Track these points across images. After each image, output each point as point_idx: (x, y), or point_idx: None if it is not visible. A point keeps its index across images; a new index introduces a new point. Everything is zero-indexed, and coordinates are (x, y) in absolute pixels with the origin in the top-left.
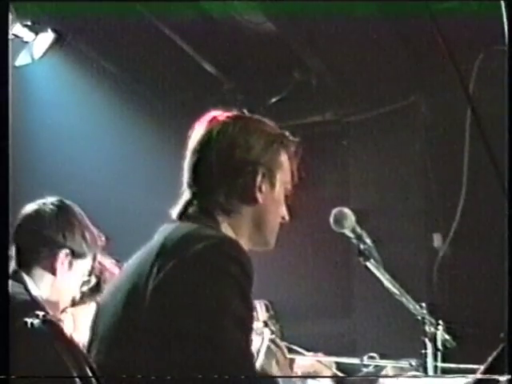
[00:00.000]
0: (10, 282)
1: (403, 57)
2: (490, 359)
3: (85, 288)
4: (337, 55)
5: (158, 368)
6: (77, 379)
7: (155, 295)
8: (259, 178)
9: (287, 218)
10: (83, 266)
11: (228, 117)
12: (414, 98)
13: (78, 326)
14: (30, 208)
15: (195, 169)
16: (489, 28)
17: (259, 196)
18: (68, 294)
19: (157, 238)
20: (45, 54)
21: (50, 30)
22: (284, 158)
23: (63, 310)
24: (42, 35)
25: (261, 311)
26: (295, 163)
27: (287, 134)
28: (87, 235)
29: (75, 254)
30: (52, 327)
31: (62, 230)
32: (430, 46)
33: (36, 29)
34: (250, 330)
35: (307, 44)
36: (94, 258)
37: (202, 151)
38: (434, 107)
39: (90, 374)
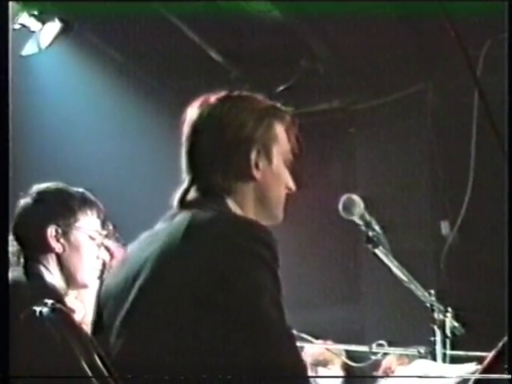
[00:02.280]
0: (24, 274)
1: (410, 44)
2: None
3: (96, 269)
4: (344, 43)
5: (192, 355)
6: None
7: (186, 278)
8: (254, 156)
9: (294, 187)
10: (81, 231)
11: (217, 98)
12: (421, 85)
13: (88, 312)
14: (17, 206)
15: (190, 154)
16: (496, 15)
17: (256, 173)
18: (81, 266)
19: (174, 223)
20: (52, 43)
21: (56, 20)
22: (279, 129)
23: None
24: (48, 25)
25: None
26: (293, 133)
27: (278, 105)
28: (71, 201)
29: (62, 225)
30: (61, 315)
31: (43, 211)
32: (437, 34)
33: (43, 18)
34: (283, 310)
35: (314, 32)
36: (97, 216)
37: (195, 135)
38: (441, 95)
39: (99, 363)
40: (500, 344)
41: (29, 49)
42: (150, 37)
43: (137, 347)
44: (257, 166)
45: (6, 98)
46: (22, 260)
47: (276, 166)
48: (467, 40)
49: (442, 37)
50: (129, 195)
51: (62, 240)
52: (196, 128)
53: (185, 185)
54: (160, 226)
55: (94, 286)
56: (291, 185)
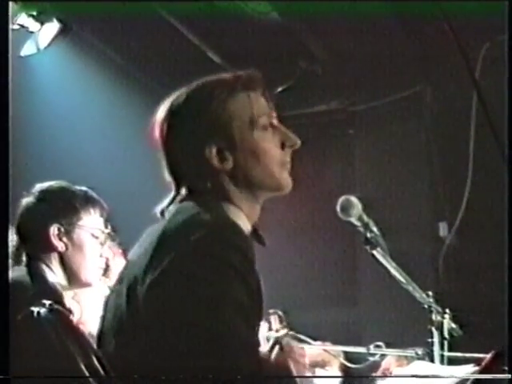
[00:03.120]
0: (27, 273)
1: (409, 46)
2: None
3: (99, 268)
4: (342, 44)
5: (161, 361)
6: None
7: (153, 288)
8: (209, 153)
9: (297, 142)
10: (84, 230)
11: (169, 105)
12: (419, 87)
13: (85, 312)
14: (20, 205)
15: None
16: (494, 17)
17: (224, 165)
18: (84, 265)
19: (157, 225)
20: (50, 43)
21: (55, 20)
22: (234, 104)
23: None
24: (47, 25)
25: (274, 322)
26: (259, 90)
27: (224, 76)
28: (74, 199)
29: (65, 224)
30: (59, 316)
31: (46, 210)
32: (436, 36)
33: (41, 19)
34: (253, 317)
35: (313, 33)
36: (100, 215)
37: (163, 148)
38: (439, 96)
39: (98, 365)
40: (498, 347)
41: (27, 49)
42: (148, 38)
43: (126, 358)
44: (221, 158)
45: (6, 98)
46: (23, 259)
47: (245, 145)
48: (466, 42)
49: (440, 39)
50: (127, 194)
51: (64, 239)
52: (162, 137)
53: (171, 195)
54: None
55: (96, 284)
56: (291, 141)
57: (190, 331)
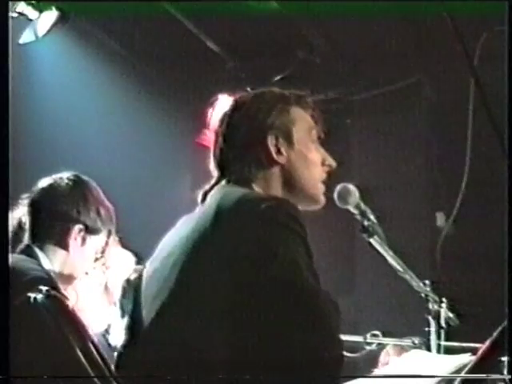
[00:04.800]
0: (23, 257)
1: (407, 36)
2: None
3: (98, 264)
4: (341, 34)
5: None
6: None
7: (223, 255)
8: (271, 142)
9: (333, 163)
10: (97, 242)
11: (234, 100)
12: (417, 77)
13: (81, 300)
14: (44, 182)
15: (215, 155)
16: (492, 8)
17: (278, 157)
18: (81, 269)
19: (205, 204)
20: (49, 31)
21: (54, 8)
22: (297, 112)
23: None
24: (46, 13)
25: None
26: (314, 113)
27: (291, 92)
28: (102, 211)
29: (89, 230)
30: (55, 302)
31: (76, 204)
32: (435, 26)
33: (40, 7)
34: (318, 277)
35: (311, 23)
36: (109, 235)
37: (216, 140)
38: (437, 86)
39: (94, 350)
40: (495, 334)
41: (26, 37)
42: (146, 26)
43: (175, 329)
44: (278, 151)
45: (6, 85)
46: (22, 245)
47: (300, 148)
48: (464, 32)
49: (439, 29)
50: (124, 184)
51: (79, 241)
52: (216, 131)
53: (213, 180)
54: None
55: (90, 276)
56: (330, 162)
57: (268, 290)
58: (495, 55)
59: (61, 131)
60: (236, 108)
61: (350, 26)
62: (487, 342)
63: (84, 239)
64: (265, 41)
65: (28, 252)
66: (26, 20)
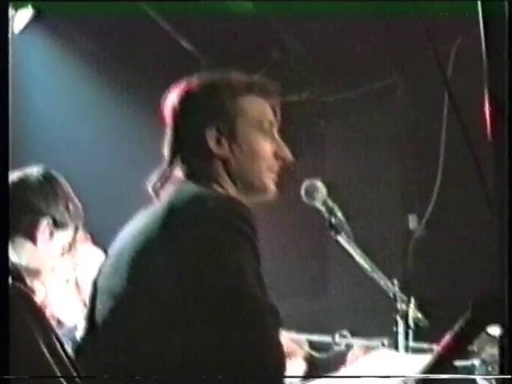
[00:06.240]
0: None
1: (381, 38)
2: (456, 327)
3: (64, 260)
4: (315, 35)
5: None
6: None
7: (172, 254)
8: (209, 133)
9: (288, 156)
10: (64, 237)
11: (183, 90)
12: (391, 79)
13: (49, 294)
14: (14, 176)
15: (167, 142)
16: (466, 12)
17: (218, 150)
18: (48, 264)
19: (155, 205)
20: (24, 29)
21: (30, 7)
22: (247, 102)
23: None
24: (21, 11)
25: None
26: (270, 99)
27: (242, 78)
28: (70, 206)
29: (57, 224)
30: (20, 295)
31: (45, 198)
32: (409, 29)
33: (16, 5)
34: (263, 282)
35: (285, 23)
36: (76, 231)
37: (169, 127)
38: (411, 89)
39: (58, 345)
40: (456, 325)
41: None
42: (121, 26)
43: (126, 328)
44: (219, 142)
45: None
46: None
47: (246, 139)
48: (438, 35)
49: (413, 31)
50: (103, 181)
51: (46, 235)
52: (167, 121)
53: (161, 172)
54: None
55: (56, 270)
56: (284, 154)
57: (214, 294)
58: (470, 58)
59: (32, 127)
60: (181, 98)
61: (324, 27)
62: (448, 335)
63: (52, 233)
64: (239, 40)
65: None
66: None
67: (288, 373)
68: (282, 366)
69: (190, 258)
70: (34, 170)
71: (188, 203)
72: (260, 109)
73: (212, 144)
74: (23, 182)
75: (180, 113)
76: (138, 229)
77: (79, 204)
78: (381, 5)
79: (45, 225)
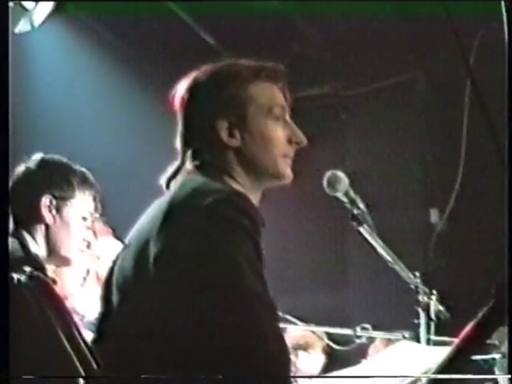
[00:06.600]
0: (12, 239)
1: (403, 31)
2: (480, 315)
3: (80, 250)
4: (337, 28)
5: (176, 323)
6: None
7: (168, 250)
8: (221, 125)
9: (303, 141)
10: (75, 208)
11: (192, 78)
12: (413, 73)
13: (64, 288)
14: (17, 170)
15: (181, 133)
16: (488, 5)
17: (231, 141)
18: (67, 243)
19: (165, 196)
20: (45, 21)
21: None
22: (256, 89)
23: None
24: (42, 3)
25: None
26: (279, 84)
27: (250, 64)
28: (71, 176)
29: (58, 197)
30: (39, 283)
31: (42, 179)
32: (430, 22)
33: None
34: (263, 278)
35: (307, 16)
36: (90, 198)
37: (180, 117)
38: (432, 82)
39: (76, 333)
40: (479, 315)
41: (22, 26)
42: (142, 18)
43: (131, 322)
44: (231, 134)
45: (6, 79)
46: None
47: (258, 127)
48: (460, 29)
49: (435, 25)
50: (121, 176)
51: (54, 212)
52: (178, 111)
53: (176, 164)
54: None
55: (75, 264)
56: (298, 138)
57: (208, 290)
58: (492, 52)
59: (55, 121)
60: (192, 88)
61: (346, 21)
62: (471, 324)
63: (58, 209)
64: (260, 34)
65: (15, 235)
66: (21, 9)
67: (306, 365)
68: (280, 360)
69: (187, 251)
70: (32, 159)
71: (187, 196)
72: (269, 94)
73: (224, 135)
74: (23, 173)
75: (189, 103)
76: (142, 221)
77: (88, 173)
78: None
79: (47, 201)
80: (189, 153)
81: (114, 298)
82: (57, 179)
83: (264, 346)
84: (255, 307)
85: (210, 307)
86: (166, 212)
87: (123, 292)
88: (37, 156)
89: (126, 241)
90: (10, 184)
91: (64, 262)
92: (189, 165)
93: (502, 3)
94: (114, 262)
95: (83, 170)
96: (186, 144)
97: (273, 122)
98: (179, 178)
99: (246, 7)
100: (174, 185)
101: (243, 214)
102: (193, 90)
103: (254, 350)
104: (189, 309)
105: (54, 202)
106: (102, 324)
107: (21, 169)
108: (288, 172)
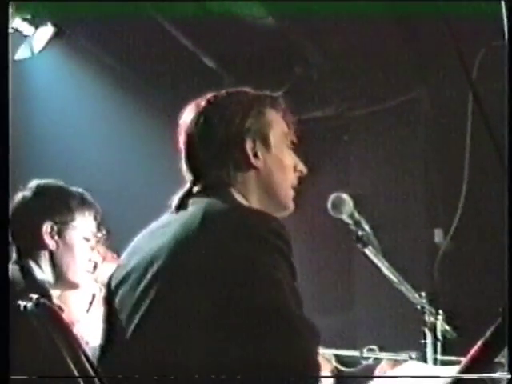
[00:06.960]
0: (17, 268)
1: (405, 52)
2: (488, 334)
3: (87, 271)
4: (338, 50)
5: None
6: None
7: (204, 267)
8: (249, 145)
9: (304, 169)
10: (77, 231)
11: (206, 100)
12: (415, 93)
13: (71, 314)
14: (14, 199)
15: (188, 158)
16: (489, 23)
17: (255, 161)
18: (73, 267)
19: (188, 212)
20: (44, 47)
21: (49, 24)
22: (272, 115)
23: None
24: (41, 29)
25: None
26: (288, 116)
27: (266, 92)
28: (70, 200)
29: (59, 222)
30: (46, 310)
31: (41, 206)
32: (434, 41)
33: (36, 23)
34: (301, 300)
35: (308, 38)
36: (94, 218)
37: (190, 139)
38: (435, 102)
39: (85, 361)
40: (487, 334)
41: (22, 53)
42: (142, 42)
43: (156, 341)
44: (255, 155)
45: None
46: (13, 255)
47: (276, 152)
48: (462, 47)
49: (438, 44)
50: (122, 198)
51: (56, 237)
52: (189, 132)
53: (186, 186)
54: (170, 217)
55: (83, 287)
56: (301, 167)
57: (248, 316)
58: (493, 69)
59: (57, 145)
60: (211, 108)
61: (348, 41)
62: (479, 343)
63: (60, 233)
64: (261, 56)
65: (20, 263)
66: (21, 36)
67: None
68: None
69: (226, 274)
70: (28, 187)
71: (223, 218)
72: (281, 122)
73: (251, 155)
74: (21, 200)
75: (211, 122)
76: (166, 243)
77: (86, 194)
78: (405, 17)
79: (48, 227)
80: (207, 172)
81: (123, 323)
82: (55, 204)
83: (306, 369)
84: (298, 327)
85: (252, 327)
86: (198, 232)
87: (132, 316)
88: (32, 183)
89: (125, 261)
90: (10, 213)
91: (72, 285)
92: (201, 185)
93: (502, 3)
94: (117, 286)
95: (80, 190)
96: (203, 163)
97: (287, 148)
98: (195, 201)
99: (246, 28)
100: (191, 207)
101: (279, 235)
102: (214, 109)
103: (299, 372)
104: (230, 329)
105: (55, 227)
106: (110, 348)
107: (18, 198)
108: (292, 204)
